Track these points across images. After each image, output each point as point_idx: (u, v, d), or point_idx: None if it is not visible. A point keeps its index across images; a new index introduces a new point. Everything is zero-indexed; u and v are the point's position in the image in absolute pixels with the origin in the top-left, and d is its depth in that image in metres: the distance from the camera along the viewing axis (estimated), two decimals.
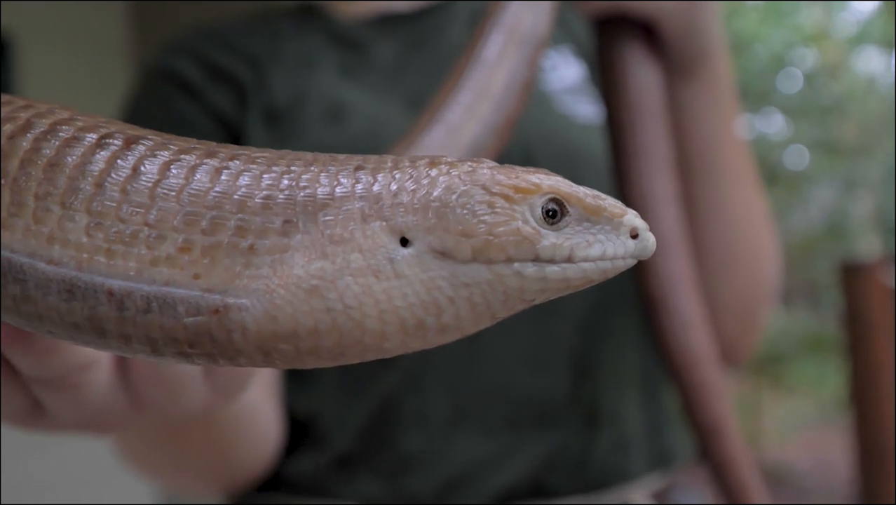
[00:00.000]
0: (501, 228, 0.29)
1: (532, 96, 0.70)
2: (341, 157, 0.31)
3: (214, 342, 0.29)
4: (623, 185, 0.60)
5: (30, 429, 0.39)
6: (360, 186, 0.30)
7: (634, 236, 0.30)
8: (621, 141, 0.60)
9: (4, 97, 0.31)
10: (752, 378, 5.74)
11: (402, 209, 0.29)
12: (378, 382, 0.65)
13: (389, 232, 0.29)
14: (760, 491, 0.58)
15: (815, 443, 5.39)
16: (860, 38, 5.71)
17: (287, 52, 0.71)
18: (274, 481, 0.67)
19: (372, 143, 0.65)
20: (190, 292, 0.28)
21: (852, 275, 2.43)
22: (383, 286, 0.29)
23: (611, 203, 0.30)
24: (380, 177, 0.30)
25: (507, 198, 0.29)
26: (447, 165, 0.30)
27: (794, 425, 5.64)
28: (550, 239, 0.29)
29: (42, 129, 0.29)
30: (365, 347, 0.30)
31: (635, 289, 0.63)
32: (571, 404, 0.67)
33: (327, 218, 0.29)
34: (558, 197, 0.30)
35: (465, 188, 0.29)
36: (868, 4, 5.69)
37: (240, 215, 0.29)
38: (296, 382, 0.67)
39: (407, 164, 0.30)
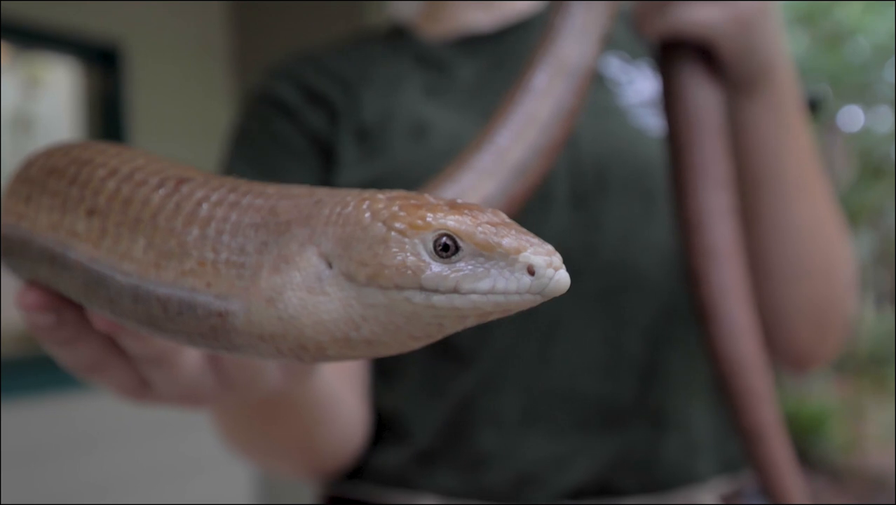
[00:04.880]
0: (390, 259, 0.34)
1: (608, 110, 0.73)
2: (321, 190, 0.38)
3: (224, 338, 0.37)
4: (679, 200, 0.63)
5: (139, 401, 0.48)
6: (310, 216, 0.36)
7: (532, 273, 0.33)
8: (679, 158, 0.63)
9: (99, 146, 0.42)
10: (854, 381, 5.54)
11: (326, 237, 0.35)
12: (456, 383, 0.70)
13: (319, 255, 0.35)
14: (804, 496, 0.60)
15: None
16: None
17: (377, 73, 0.77)
18: (361, 471, 0.73)
19: (452, 158, 0.70)
20: (206, 297, 0.37)
21: None
22: (314, 301, 0.35)
23: (510, 241, 0.33)
24: (324, 210, 0.36)
25: (402, 232, 0.34)
26: (371, 202, 0.35)
27: None
28: (435, 270, 0.33)
29: (124, 174, 0.40)
30: (313, 353, 0.36)
31: None
32: (639, 409, 0.70)
33: (284, 240, 0.36)
34: (450, 234, 0.33)
35: (368, 223, 0.34)
36: None
37: (239, 239, 0.37)
38: (381, 379, 0.73)
39: (349, 198, 0.36)
